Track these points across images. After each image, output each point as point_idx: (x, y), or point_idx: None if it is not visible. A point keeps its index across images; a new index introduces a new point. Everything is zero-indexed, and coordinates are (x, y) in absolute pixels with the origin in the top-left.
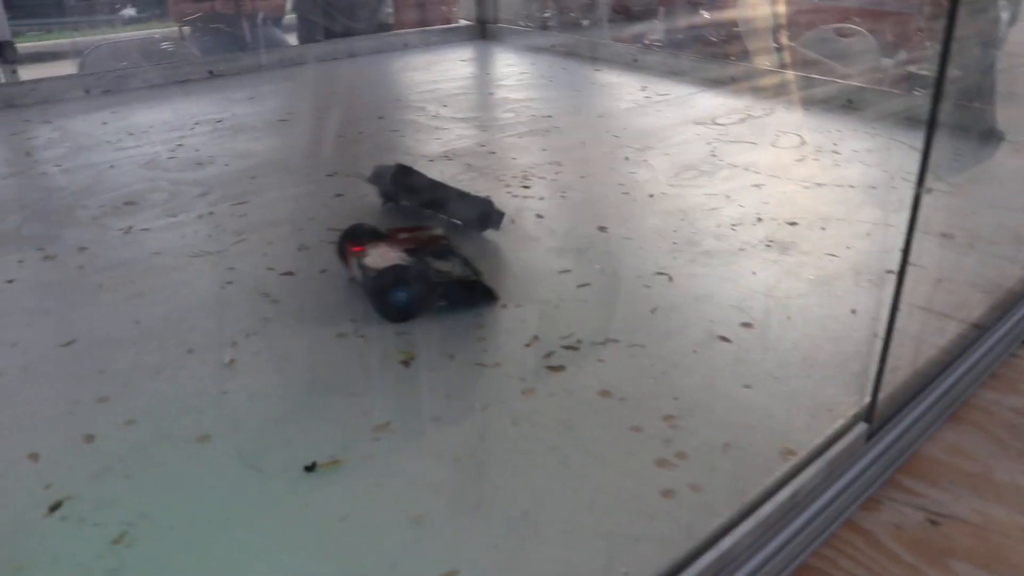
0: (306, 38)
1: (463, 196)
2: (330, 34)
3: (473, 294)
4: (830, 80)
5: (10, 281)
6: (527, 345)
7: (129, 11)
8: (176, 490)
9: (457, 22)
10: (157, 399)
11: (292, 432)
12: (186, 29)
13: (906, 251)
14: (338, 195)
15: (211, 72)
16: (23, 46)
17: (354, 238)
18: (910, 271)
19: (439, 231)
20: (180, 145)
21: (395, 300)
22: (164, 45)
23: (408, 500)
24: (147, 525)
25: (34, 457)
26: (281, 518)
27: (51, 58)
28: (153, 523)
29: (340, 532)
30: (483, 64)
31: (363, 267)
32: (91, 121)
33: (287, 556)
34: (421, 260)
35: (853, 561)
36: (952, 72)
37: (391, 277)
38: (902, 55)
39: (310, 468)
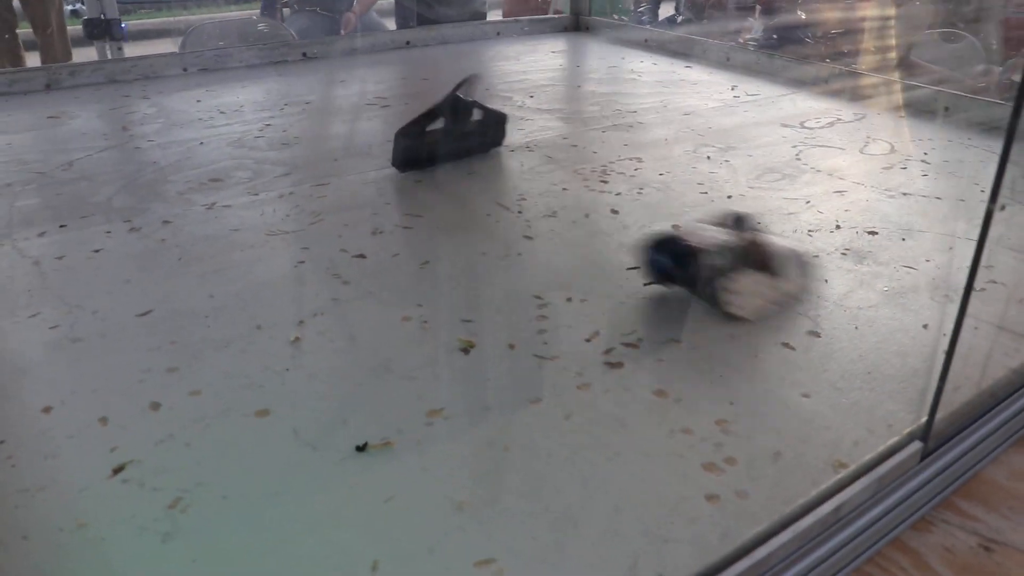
0: (401, 24)
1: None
2: (424, 20)
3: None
4: (929, 86)
5: (97, 251)
6: (588, 340)
7: None
8: (233, 462)
9: (552, 13)
10: (223, 373)
11: (348, 412)
12: (286, 11)
13: (974, 267)
14: (417, 181)
15: (305, 54)
16: (133, 23)
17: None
18: (990, 288)
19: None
20: (268, 125)
21: (652, 260)
22: (261, 26)
23: (453, 486)
24: (202, 493)
25: (104, 421)
26: (330, 496)
27: (156, 36)
28: (208, 491)
29: (384, 513)
30: (574, 56)
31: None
32: (186, 98)
33: (333, 532)
34: (711, 254)
35: None
36: None
37: (664, 243)
38: (1010, 63)
39: (361, 448)
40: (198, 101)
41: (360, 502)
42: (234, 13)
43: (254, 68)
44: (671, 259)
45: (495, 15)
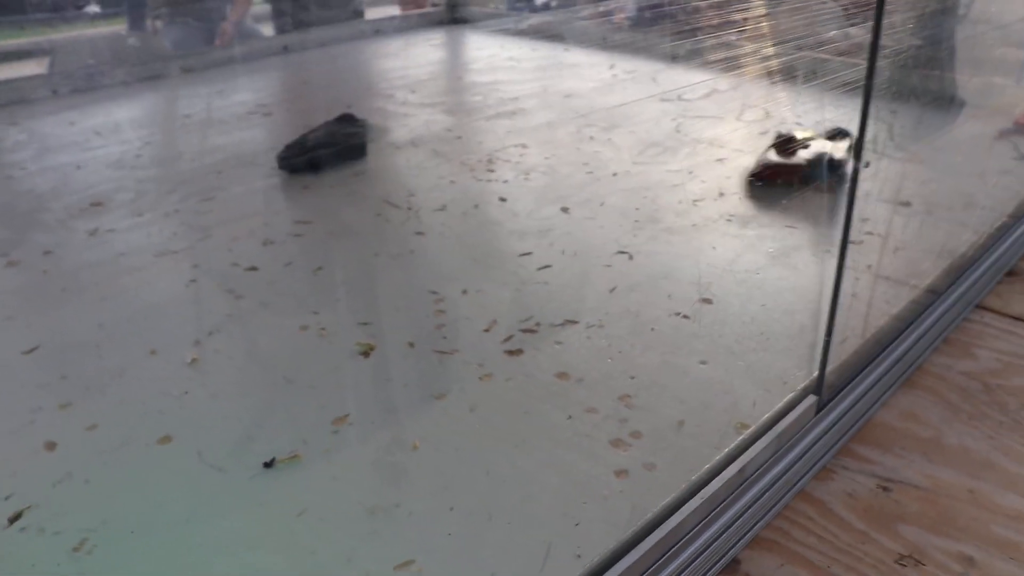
0: (278, 28)
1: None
2: (302, 24)
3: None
4: (796, 54)
5: None
6: (486, 330)
7: (93, 7)
8: (137, 493)
9: (428, 7)
10: (119, 402)
11: (253, 429)
12: (158, 23)
13: (847, 224)
14: (305, 187)
15: (182, 67)
16: None
17: None
18: (867, 240)
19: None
20: (148, 143)
21: None
22: (132, 41)
23: (365, 492)
24: (108, 531)
25: None
26: (241, 515)
27: (17, 58)
28: (114, 528)
29: (298, 527)
30: (453, 48)
31: None
32: (59, 121)
33: (246, 553)
34: None
35: (805, 531)
36: (912, 41)
37: None
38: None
39: (269, 464)
40: (71, 123)
41: (273, 519)
42: (102, 29)
43: (129, 85)
44: None
45: (390, 10)
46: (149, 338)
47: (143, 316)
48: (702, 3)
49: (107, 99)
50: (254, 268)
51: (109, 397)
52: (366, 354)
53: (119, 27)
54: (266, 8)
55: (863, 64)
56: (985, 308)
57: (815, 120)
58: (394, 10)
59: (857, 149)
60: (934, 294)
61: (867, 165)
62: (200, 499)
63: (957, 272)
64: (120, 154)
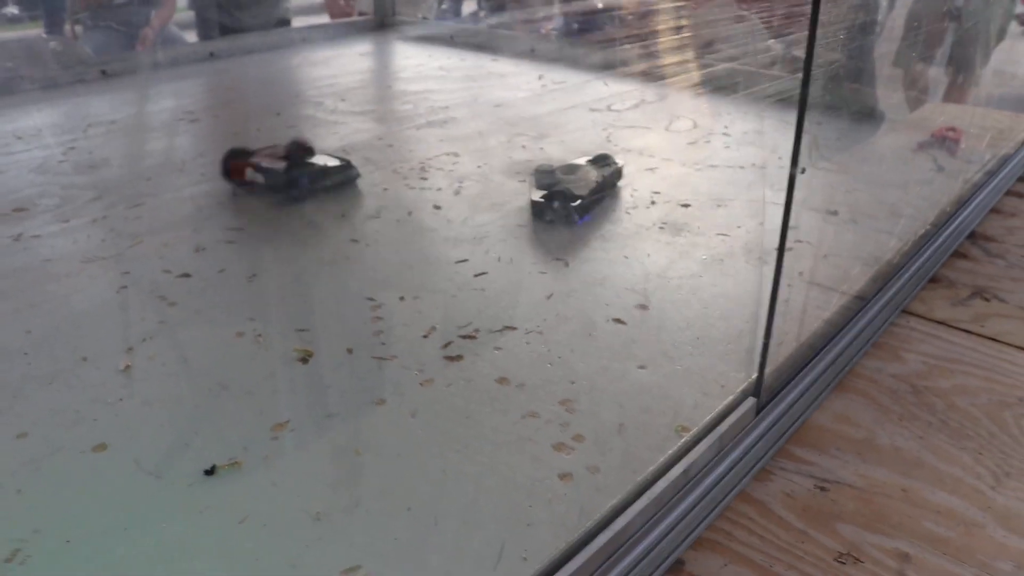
0: (203, 35)
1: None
2: (227, 30)
3: None
4: (722, 65)
5: None
6: (425, 336)
7: (11, 9)
8: (72, 502)
9: (356, 15)
10: (50, 410)
11: (190, 436)
12: (78, 28)
13: (784, 231)
14: (235, 194)
15: (104, 72)
16: None
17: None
18: (798, 247)
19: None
20: (72, 148)
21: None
22: (53, 44)
23: (308, 498)
24: (41, 540)
25: None
26: (181, 524)
27: None
28: (47, 538)
29: (240, 534)
30: (382, 57)
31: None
32: None
33: (186, 562)
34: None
35: (746, 531)
36: (834, 56)
37: None
38: (791, 38)
39: (209, 471)
40: None
41: (213, 527)
42: (17, 32)
43: (49, 89)
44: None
45: (318, 18)
46: (79, 345)
47: (72, 323)
48: (629, 15)
49: (27, 103)
50: (186, 275)
51: (39, 405)
52: (304, 360)
53: (38, 30)
54: (190, 15)
55: (785, 76)
56: (911, 313)
57: (741, 130)
58: (322, 18)
59: (794, 156)
60: (863, 300)
61: (803, 171)
62: (138, 507)
63: (884, 278)
64: (43, 159)
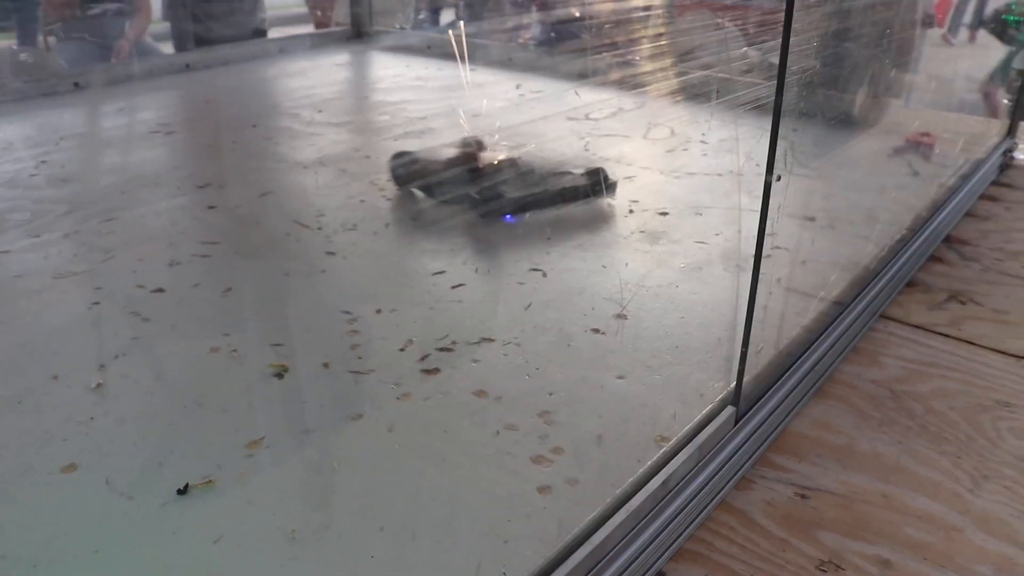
0: (178, 46)
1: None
2: (203, 41)
3: None
4: (698, 73)
5: None
6: (401, 349)
7: None
8: (40, 525)
9: (333, 26)
10: (19, 430)
11: (163, 454)
12: (51, 39)
13: (760, 238)
14: (211, 207)
15: (77, 84)
16: None
17: None
18: (775, 254)
19: None
20: (44, 161)
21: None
22: (24, 56)
23: (283, 516)
24: (6, 565)
25: None
26: (153, 545)
27: None
28: (13, 562)
29: (214, 554)
30: (359, 68)
31: None
32: None
33: None
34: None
35: (727, 540)
36: (811, 63)
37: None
38: (766, 46)
39: (183, 491)
40: None
41: (187, 547)
42: None
43: (21, 101)
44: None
45: (295, 28)
46: (50, 363)
47: (43, 340)
48: (606, 23)
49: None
50: (160, 290)
51: (7, 424)
52: (280, 376)
53: (9, 42)
54: (165, 26)
55: (760, 83)
56: (888, 318)
57: (718, 137)
58: (298, 29)
59: (769, 163)
60: (841, 305)
61: (779, 178)
62: (109, 529)
63: (861, 284)
64: (13, 173)
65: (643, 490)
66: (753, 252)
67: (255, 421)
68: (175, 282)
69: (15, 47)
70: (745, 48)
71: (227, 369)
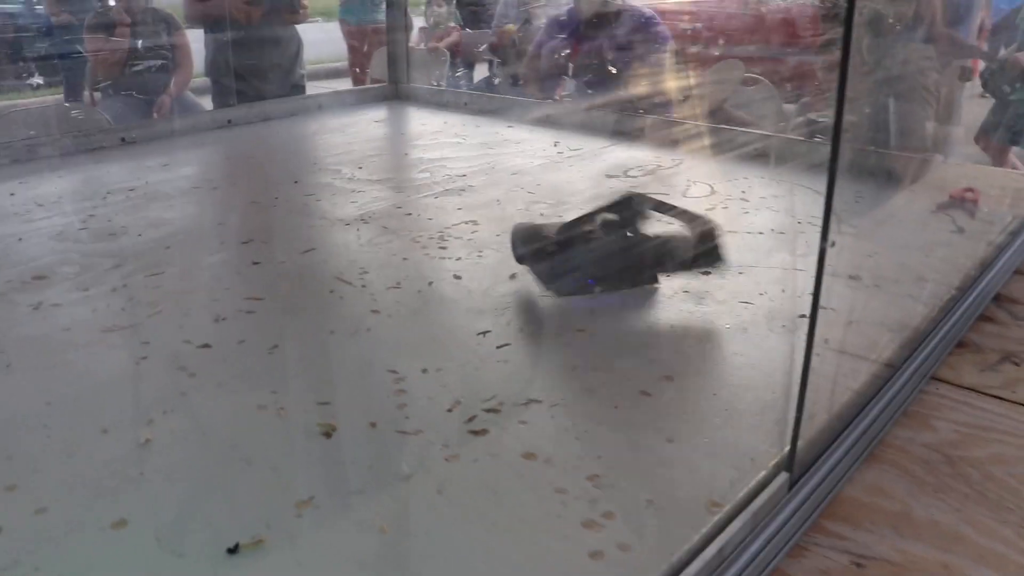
0: (220, 102)
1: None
2: (244, 97)
3: None
4: (736, 129)
5: None
6: (449, 410)
7: (35, 79)
8: None
9: (370, 83)
10: (69, 484)
11: (213, 512)
12: (97, 95)
13: (815, 302)
14: (255, 263)
15: (123, 139)
16: None
17: None
18: (823, 315)
19: None
20: (92, 216)
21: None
22: (75, 113)
23: None
24: None
25: None
26: None
27: None
28: None
29: None
30: (397, 124)
31: None
32: None
33: None
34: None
35: None
36: (850, 118)
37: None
38: (803, 102)
39: (233, 550)
40: (12, 194)
41: None
42: (38, 99)
43: (69, 156)
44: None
45: (333, 84)
46: (99, 416)
47: (92, 393)
48: (640, 77)
49: (48, 170)
50: (207, 345)
51: (58, 478)
52: (328, 435)
53: (57, 97)
54: (206, 81)
55: (800, 140)
56: (939, 379)
57: (759, 195)
58: (336, 84)
59: (824, 230)
60: (891, 367)
61: (833, 244)
62: None
63: (911, 345)
64: (63, 226)
65: (699, 558)
66: (798, 312)
67: (303, 480)
68: (221, 338)
69: (64, 103)
70: (783, 104)
71: (274, 427)
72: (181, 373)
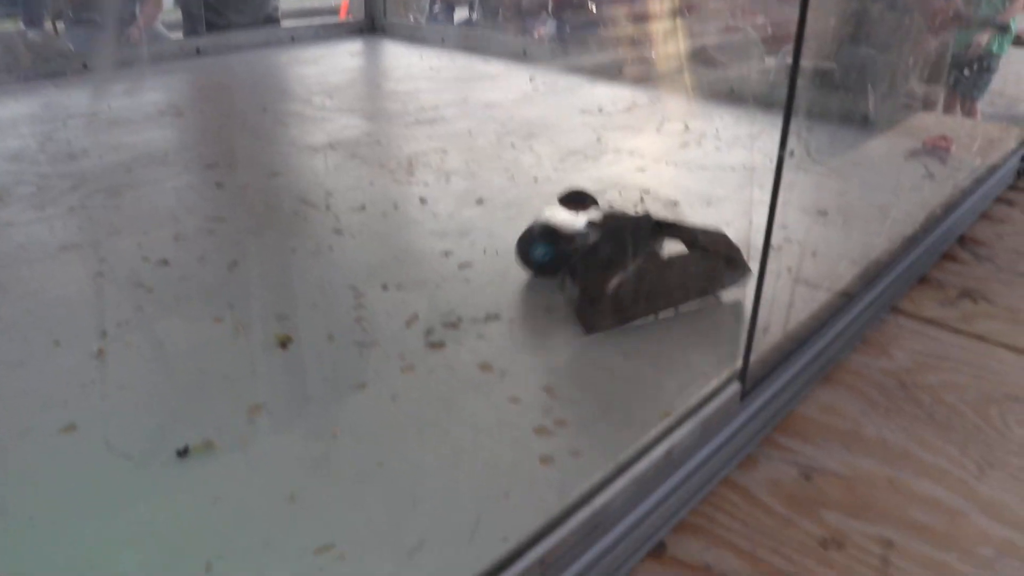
0: (189, 31)
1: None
2: (214, 27)
3: None
4: (715, 71)
5: None
6: (407, 324)
7: None
8: (38, 483)
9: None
10: (19, 392)
11: (164, 419)
12: (60, 25)
13: (769, 223)
14: (218, 185)
15: (85, 65)
16: None
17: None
18: (786, 246)
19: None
20: (50, 139)
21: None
22: (32, 36)
23: (282, 479)
24: (4, 520)
25: None
26: (151, 505)
27: None
28: (12, 518)
29: (212, 514)
30: (372, 57)
31: None
32: None
33: (158, 540)
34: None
35: (729, 516)
36: (827, 65)
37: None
38: (785, 49)
39: (182, 453)
40: None
41: (185, 507)
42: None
43: (29, 82)
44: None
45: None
46: (52, 330)
47: (46, 308)
48: (624, 19)
49: (3, 94)
50: (165, 262)
51: (8, 387)
52: (284, 345)
53: (15, 26)
54: (179, 16)
55: (779, 84)
56: (900, 311)
57: (734, 134)
58: (311, 18)
59: (783, 138)
60: (850, 297)
61: (792, 154)
62: (109, 487)
63: (871, 277)
64: (19, 148)
65: (646, 458)
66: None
67: (257, 388)
68: (180, 255)
69: (23, 29)
70: (762, 52)
71: (231, 339)
72: (138, 289)
